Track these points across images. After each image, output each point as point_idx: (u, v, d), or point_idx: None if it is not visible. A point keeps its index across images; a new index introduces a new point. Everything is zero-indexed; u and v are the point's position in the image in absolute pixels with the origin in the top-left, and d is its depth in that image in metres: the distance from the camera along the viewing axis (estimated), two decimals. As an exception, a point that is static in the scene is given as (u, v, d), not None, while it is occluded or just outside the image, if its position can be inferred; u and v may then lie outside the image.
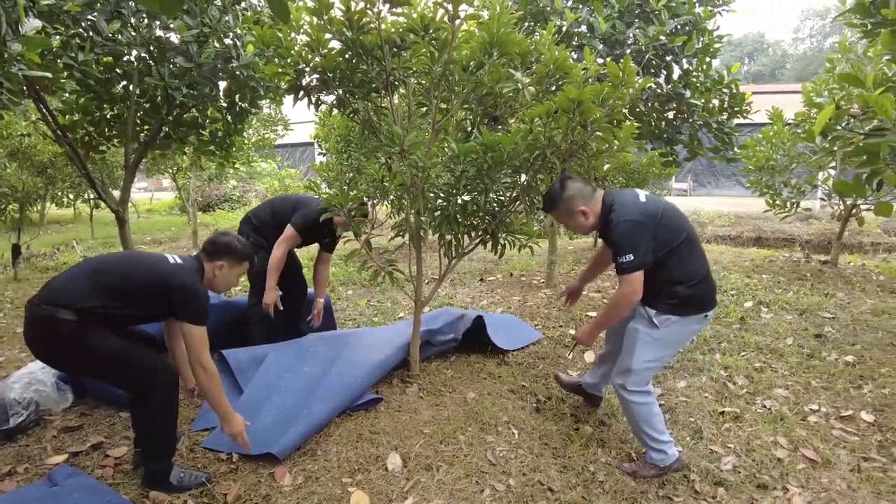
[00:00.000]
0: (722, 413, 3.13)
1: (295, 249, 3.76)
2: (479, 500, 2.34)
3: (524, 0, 4.70)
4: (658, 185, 8.18)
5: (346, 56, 3.06)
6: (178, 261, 2.38)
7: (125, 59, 3.41)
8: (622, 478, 2.55)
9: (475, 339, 3.81)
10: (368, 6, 2.79)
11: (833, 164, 6.34)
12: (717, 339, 4.22)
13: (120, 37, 3.10)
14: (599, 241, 2.69)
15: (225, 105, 3.91)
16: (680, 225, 2.48)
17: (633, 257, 2.31)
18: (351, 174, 7.57)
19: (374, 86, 3.19)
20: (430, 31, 2.82)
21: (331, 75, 3.14)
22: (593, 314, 4.71)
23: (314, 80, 3.26)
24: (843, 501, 2.38)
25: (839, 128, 2.80)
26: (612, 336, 2.99)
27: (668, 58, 4.87)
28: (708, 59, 5.01)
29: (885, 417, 3.07)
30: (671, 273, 2.41)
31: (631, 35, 4.64)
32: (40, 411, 2.88)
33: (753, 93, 5.50)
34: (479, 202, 3.01)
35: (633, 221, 2.35)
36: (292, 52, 3.18)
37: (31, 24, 2.11)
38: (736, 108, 5.22)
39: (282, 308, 3.60)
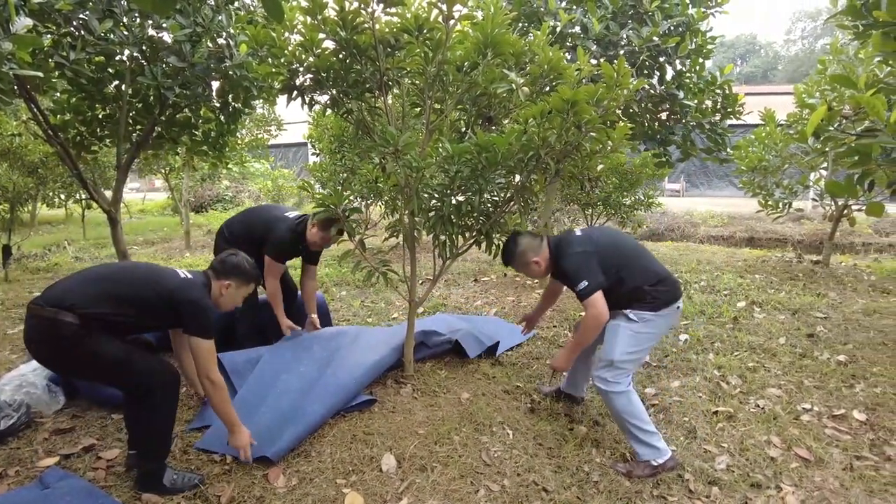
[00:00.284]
0: (716, 413, 3.14)
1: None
2: (474, 501, 2.34)
3: (518, 1, 4.71)
4: (651, 186, 8.17)
5: (340, 56, 3.05)
6: (188, 275, 2.42)
7: (117, 58, 3.39)
8: (616, 478, 2.56)
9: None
10: (362, 6, 2.79)
11: (825, 164, 6.39)
12: (711, 338, 4.24)
13: (112, 36, 3.07)
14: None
15: (218, 105, 3.88)
16: (619, 241, 2.80)
17: (587, 282, 2.53)
18: (345, 174, 7.56)
19: (367, 86, 3.18)
20: (425, 31, 2.82)
21: (324, 75, 3.13)
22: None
23: (308, 80, 3.25)
24: (836, 500, 2.40)
25: (831, 129, 2.82)
26: None
27: (662, 59, 4.89)
28: (701, 61, 5.03)
29: (877, 416, 3.09)
30: (632, 283, 2.63)
31: (624, 36, 4.65)
32: (31, 413, 2.86)
33: (746, 94, 5.53)
34: (474, 202, 3.01)
35: (575, 253, 2.64)
36: (286, 51, 3.18)
37: (22, 23, 2.09)
38: (729, 109, 5.25)
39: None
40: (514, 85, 2.87)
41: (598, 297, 2.53)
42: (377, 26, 2.88)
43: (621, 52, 4.69)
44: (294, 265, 3.81)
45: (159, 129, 3.89)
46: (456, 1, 2.68)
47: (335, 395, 2.94)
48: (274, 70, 3.33)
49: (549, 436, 2.89)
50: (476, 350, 3.76)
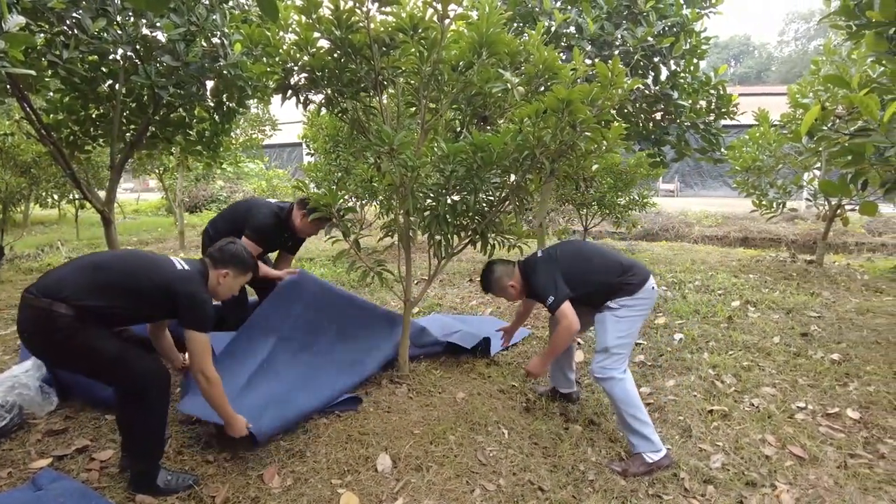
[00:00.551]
0: (710, 411, 3.15)
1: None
2: (470, 501, 2.34)
3: (513, 0, 4.71)
4: (645, 186, 8.21)
5: (335, 55, 3.05)
6: (185, 266, 2.37)
7: (111, 57, 3.37)
8: (612, 477, 2.56)
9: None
10: (357, 5, 2.78)
11: (818, 164, 6.42)
12: (705, 338, 4.25)
13: (105, 35, 3.06)
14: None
15: (212, 105, 3.88)
16: (579, 250, 3.04)
17: (553, 295, 2.73)
18: (340, 174, 7.54)
19: (362, 85, 3.17)
20: (420, 30, 2.82)
21: (319, 74, 3.12)
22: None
23: (302, 79, 3.24)
24: (831, 497, 2.41)
25: (825, 128, 2.83)
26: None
27: (656, 59, 4.90)
28: (695, 61, 5.05)
29: (871, 414, 3.10)
30: (602, 280, 2.82)
31: (619, 36, 4.66)
32: (24, 415, 2.84)
33: (739, 94, 5.55)
34: (469, 202, 3.01)
35: (538, 272, 2.86)
36: (280, 50, 3.16)
37: (15, 21, 2.07)
38: (723, 110, 5.27)
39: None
40: (509, 85, 2.87)
41: (567, 308, 2.72)
42: (372, 25, 2.87)
43: (616, 52, 4.70)
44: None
45: (153, 129, 3.88)
46: (451, 0, 2.68)
47: (324, 387, 2.94)
48: (268, 69, 3.32)
49: (545, 435, 2.89)
50: (471, 342, 3.76)
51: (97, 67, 3.44)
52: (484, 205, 3.15)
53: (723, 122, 5.46)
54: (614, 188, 7.31)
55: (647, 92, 4.97)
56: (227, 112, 4.00)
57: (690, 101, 5.05)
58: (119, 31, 3.10)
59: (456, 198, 3.06)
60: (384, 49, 3.00)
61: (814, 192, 7.04)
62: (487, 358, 3.81)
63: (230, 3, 3.61)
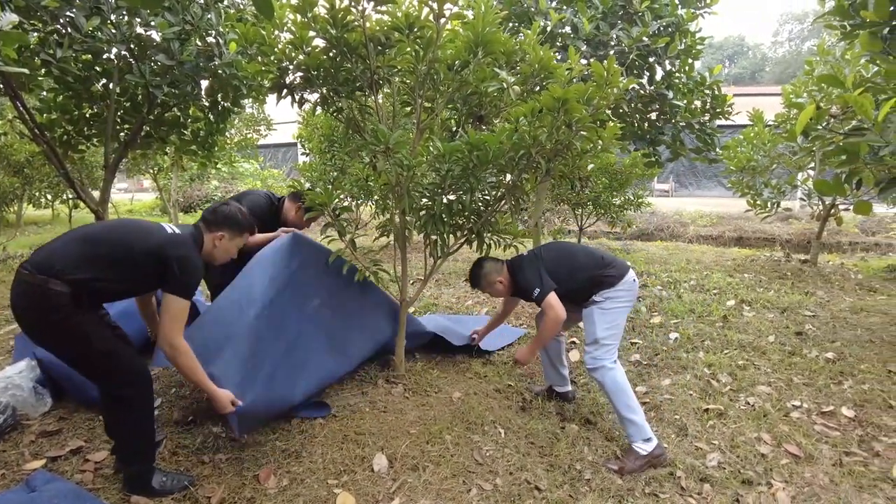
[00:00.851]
0: (706, 410, 3.15)
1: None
2: (467, 500, 2.33)
3: (508, 0, 4.71)
4: (641, 186, 8.22)
5: (331, 54, 3.04)
6: (176, 230, 2.29)
7: (105, 56, 3.35)
8: (608, 476, 2.56)
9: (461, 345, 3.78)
10: (353, 4, 2.78)
11: (812, 164, 6.45)
12: (701, 337, 4.26)
13: (99, 34, 3.04)
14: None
15: (207, 104, 3.86)
16: (562, 248, 3.13)
17: (539, 288, 2.84)
18: (335, 173, 7.53)
19: (358, 84, 3.17)
20: (415, 29, 2.81)
21: (315, 73, 3.12)
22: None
23: (298, 78, 3.23)
24: (826, 495, 2.41)
25: (819, 127, 2.84)
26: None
27: (651, 59, 4.91)
28: (690, 61, 5.05)
29: (865, 413, 3.11)
30: (585, 275, 2.91)
31: (614, 36, 4.67)
32: (17, 416, 2.82)
33: (734, 95, 5.56)
34: (465, 202, 3.01)
35: (524, 268, 2.97)
36: (276, 49, 3.15)
37: (8, 19, 2.06)
38: (718, 110, 5.28)
39: None
40: (504, 84, 2.87)
41: (553, 299, 2.82)
42: (367, 24, 2.87)
43: (611, 52, 4.71)
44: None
45: (147, 129, 3.86)
46: (447, -1, 2.67)
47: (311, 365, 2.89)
48: (264, 68, 3.30)
49: (541, 434, 2.89)
50: (459, 340, 3.73)
51: (91, 66, 3.42)
52: (480, 204, 3.15)
53: (717, 122, 5.47)
54: (609, 188, 7.31)
55: (642, 92, 4.98)
56: (221, 112, 3.97)
57: (685, 101, 5.06)
58: (113, 30, 3.07)
59: (452, 197, 3.05)
60: (380, 48, 2.99)
61: (808, 191, 7.06)
62: (483, 358, 3.81)
63: (225, 3, 3.59)
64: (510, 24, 4.77)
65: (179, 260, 2.16)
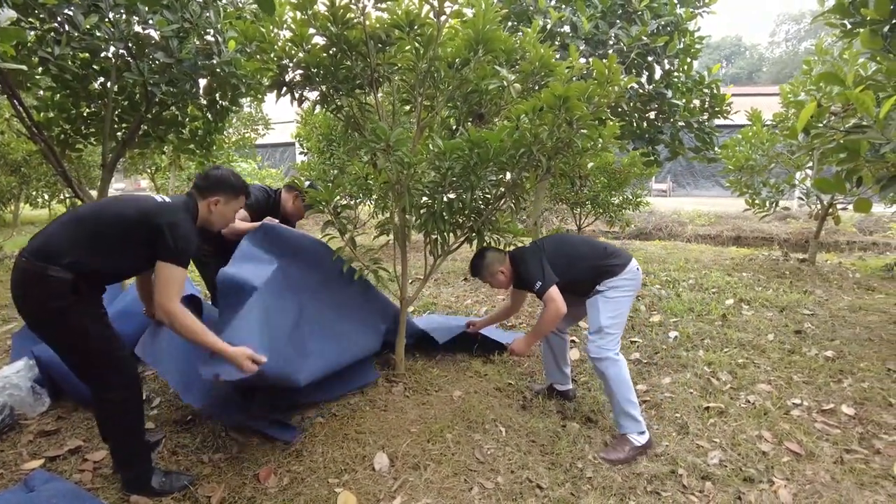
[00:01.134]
0: (707, 408, 3.15)
1: None
2: (468, 499, 2.33)
3: (508, -1, 4.71)
4: (639, 186, 8.23)
5: (331, 51, 3.03)
6: (166, 199, 2.24)
7: (103, 55, 3.33)
8: (610, 474, 2.55)
9: (461, 342, 3.76)
10: (353, 1, 2.77)
11: (810, 164, 6.46)
12: (700, 335, 4.26)
13: (98, 32, 3.03)
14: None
15: (205, 103, 3.84)
16: (564, 240, 3.16)
17: (541, 281, 2.83)
18: (335, 171, 7.51)
19: (358, 82, 3.16)
20: (416, 27, 2.81)
21: (314, 71, 3.10)
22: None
23: (297, 76, 3.22)
24: (828, 493, 2.41)
25: (820, 125, 2.84)
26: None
27: (650, 58, 4.92)
28: (689, 60, 5.06)
29: (865, 410, 3.11)
30: (588, 265, 2.93)
31: (613, 35, 4.67)
32: (15, 415, 2.80)
33: (732, 94, 5.57)
34: (465, 200, 3.00)
35: (526, 260, 2.95)
36: (275, 47, 3.14)
37: (6, 15, 2.04)
38: (716, 109, 5.29)
39: None
40: (505, 82, 2.86)
41: (554, 292, 2.81)
42: (368, 21, 2.86)
43: (610, 51, 4.71)
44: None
45: (145, 127, 3.84)
46: (447, -3, 2.67)
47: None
48: (263, 66, 3.29)
49: (542, 433, 2.88)
50: (444, 336, 3.62)
51: (89, 65, 3.40)
52: (480, 202, 3.14)
53: (716, 122, 5.48)
54: (608, 187, 7.32)
55: (641, 91, 4.99)
56: (220, 110, 3.96)
57: (684, 100, 5.07)
58: (111, 28, 3.06)
59: (452, 195, 3.04)
60: (380, 45, 2.98)
61: (806, 190, 7.08)
62: (483, 356, 3.80)
63: (224, 0, 3.58)
64: (509, 23, 4.77)
65: (170, 226, 2.09)
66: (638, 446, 2.70)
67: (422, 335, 3.65)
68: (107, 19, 3.04)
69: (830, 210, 6.89)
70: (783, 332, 4.36)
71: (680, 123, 5.28)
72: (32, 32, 2.94)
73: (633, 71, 4.88)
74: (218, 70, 3.38)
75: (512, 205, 3.20)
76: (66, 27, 2.97)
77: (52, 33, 2.98)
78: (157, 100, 3.51)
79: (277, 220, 3.49)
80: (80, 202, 3.77)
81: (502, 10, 3.75)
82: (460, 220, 3.15)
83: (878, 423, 2.99)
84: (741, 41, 60.87)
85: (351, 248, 3.09)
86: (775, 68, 50.14)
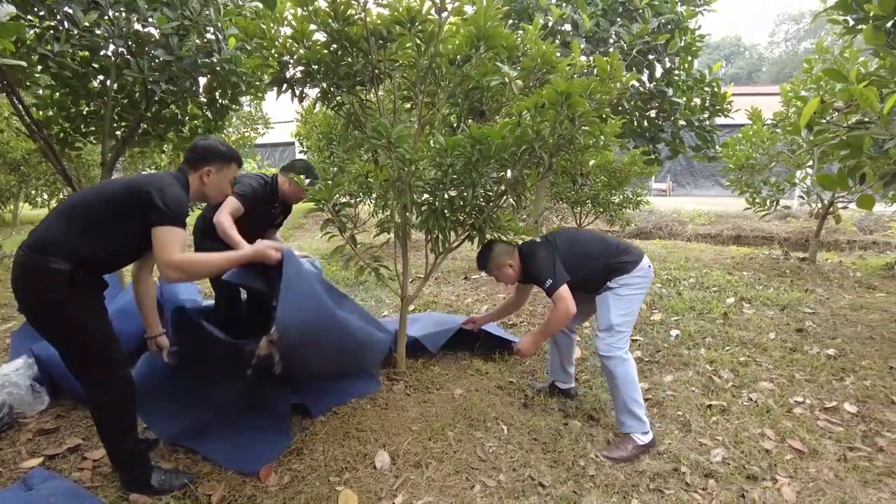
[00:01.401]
0: (709, 406, 3.14)
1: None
2: (470, 497, 2.31)
3: (508, -3, 4.70)
4: (639, 185, 8.21)
5: (331, 48, 3.02)
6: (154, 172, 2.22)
7: (102, 52, 3.32)
8: (612, 472, 2.54)
9: (462, 340, 3.75)
10: (354, -3, 2.76)
11: (810, 162, 6.45)
12: (702, 334, 4.25)
13: (97, 29, 3.01)
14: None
15: (205, 101, 3.83)
16: (575, 237, 3.07)
17: (552, 279, 2.76)
18: (335, 169, 7.50)
19: (359, 78, 3.15)
20: (417, 23, 2.79)
21: (315, 67, 3.09)
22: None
23: (298, 73, 3.21)
24: (832, 490, 2.40)
25: (823, 121, 2.83)
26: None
27: (651, 56, 4.91)
28: (690, 58, 5.05)
29: (868, 408, 3.11)
30: (600, 263, 2.87)
31: (614, 33, 4.66)
32: (14, 414, 2.79)
33: (732, 94, 5.56)
34: (466, 197, 2.98)
35: (537, 255, 2.88)
36: (276, 44, 3.13)
37: (5, 10, 2.03)
38: (717, 107, 5.28)
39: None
40: (506, 78, 2.85)
41: (565, 292, 2.75)
42: (369, 18, 2.84)
43: (611, 48, 4.70)
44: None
45: (145, 126, 3.83)
46: (448, -7, 2.66)
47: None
48: (263, 63, 3.28)
49: (544, 431, 2.87)
50: (436, 344, 3.61)
51: (88, 63, 3.38)
52: (481, 200, 3.13)
53: (716, 120, 5.47)
54: (608, 186, 7.30)
55: (641, 89, 4.98)
56: (219, 109, 3.95)
57: (685, 99, 5.06)
58: (111, 26, 3.04)
59: (453, 192, 3.03)
60: (381, 42, 2.97)
61: (806, 189, 7.07)
62: (485, 355, 3.79)
63: (223, -1, 3.57)
64: (510, 21, 4.76)
65: (158, 190, 2.05)
66: (641, 445, 2.69)
67: (413, 342, 3.60)
68: (106, 17, 3.03)
69: (831, 209, 6.88)
70: (784, 330, 4.35)
71: (681, 122, 5.27)
72: (32, 30, 2.92)
73: (634, 69, 4.87)
74: (218, 68, 3.36)
75: (513, 202, 3.18)
76: (66, 24, 2.95)
77: (52, 30, 2.97)
78: (156, 98, 3.49)
79: (276, 205, 3.48)
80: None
81: (503, 7, 3.74)
82: (461, 218, 3.13)
83: (880, 420, 2.98)
84: (741, 41, 60.85)
85: (351, 245, 3.07)
86: (775, 68, 50.15)
